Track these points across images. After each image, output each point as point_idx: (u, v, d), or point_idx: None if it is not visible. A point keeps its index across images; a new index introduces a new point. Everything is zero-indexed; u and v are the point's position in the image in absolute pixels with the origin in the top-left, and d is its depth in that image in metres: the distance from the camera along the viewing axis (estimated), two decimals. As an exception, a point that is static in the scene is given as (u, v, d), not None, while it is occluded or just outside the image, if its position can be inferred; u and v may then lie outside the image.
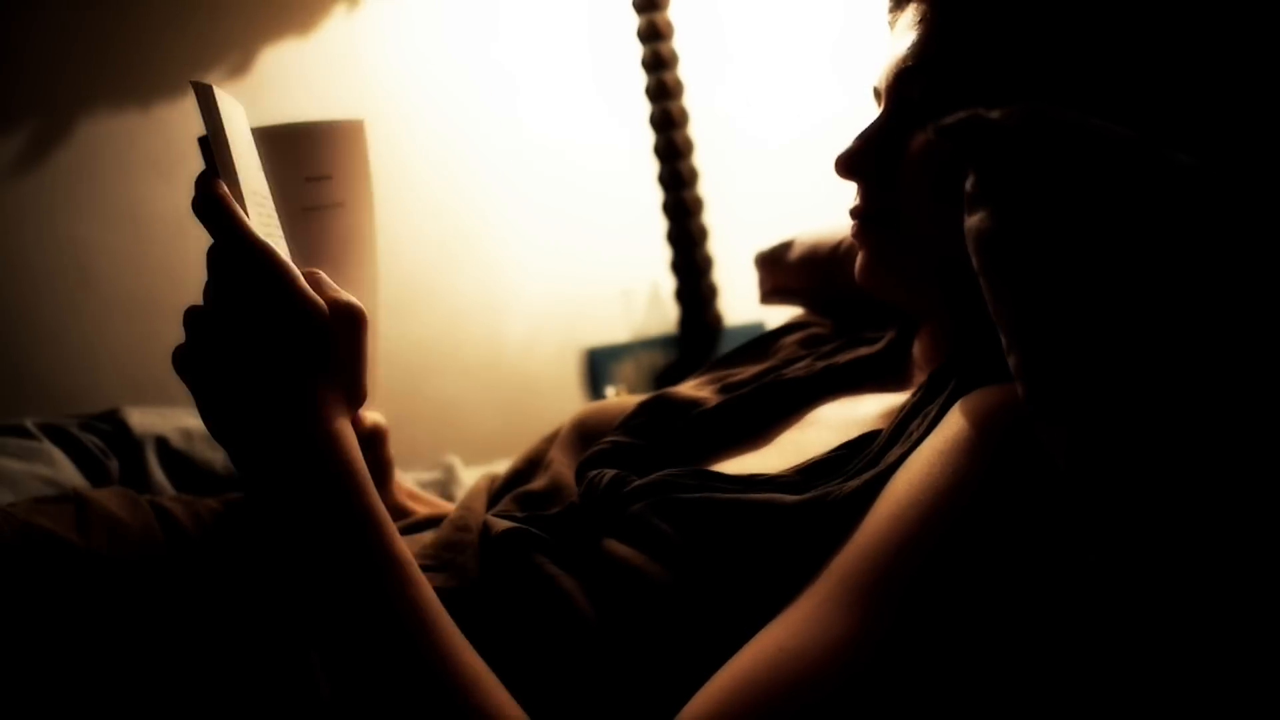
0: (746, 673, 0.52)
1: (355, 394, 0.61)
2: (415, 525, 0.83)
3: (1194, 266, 0.47)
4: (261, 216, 0.68)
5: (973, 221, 0.52)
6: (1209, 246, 0.47)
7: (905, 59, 0.65)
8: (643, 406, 0.78)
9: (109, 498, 0.77)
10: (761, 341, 0.93)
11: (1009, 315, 0.51)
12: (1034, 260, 0.49)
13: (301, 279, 0.60)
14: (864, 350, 0.80)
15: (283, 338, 0.58)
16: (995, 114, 0.50)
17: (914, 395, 0.65)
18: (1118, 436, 0.47)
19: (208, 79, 0.64)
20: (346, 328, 0.61)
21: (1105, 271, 0.48)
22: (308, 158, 0.75)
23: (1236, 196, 0.48)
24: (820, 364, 0.79)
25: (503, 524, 0.67)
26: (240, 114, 0.70)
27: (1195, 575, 0.46)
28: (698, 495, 0.61)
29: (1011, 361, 0.51)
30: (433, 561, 0.68)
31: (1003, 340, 0.52)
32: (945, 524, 0.53)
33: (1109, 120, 0.51)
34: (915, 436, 0.60)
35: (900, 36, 0.66)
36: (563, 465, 0.78)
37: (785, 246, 1.08)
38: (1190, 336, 0.46)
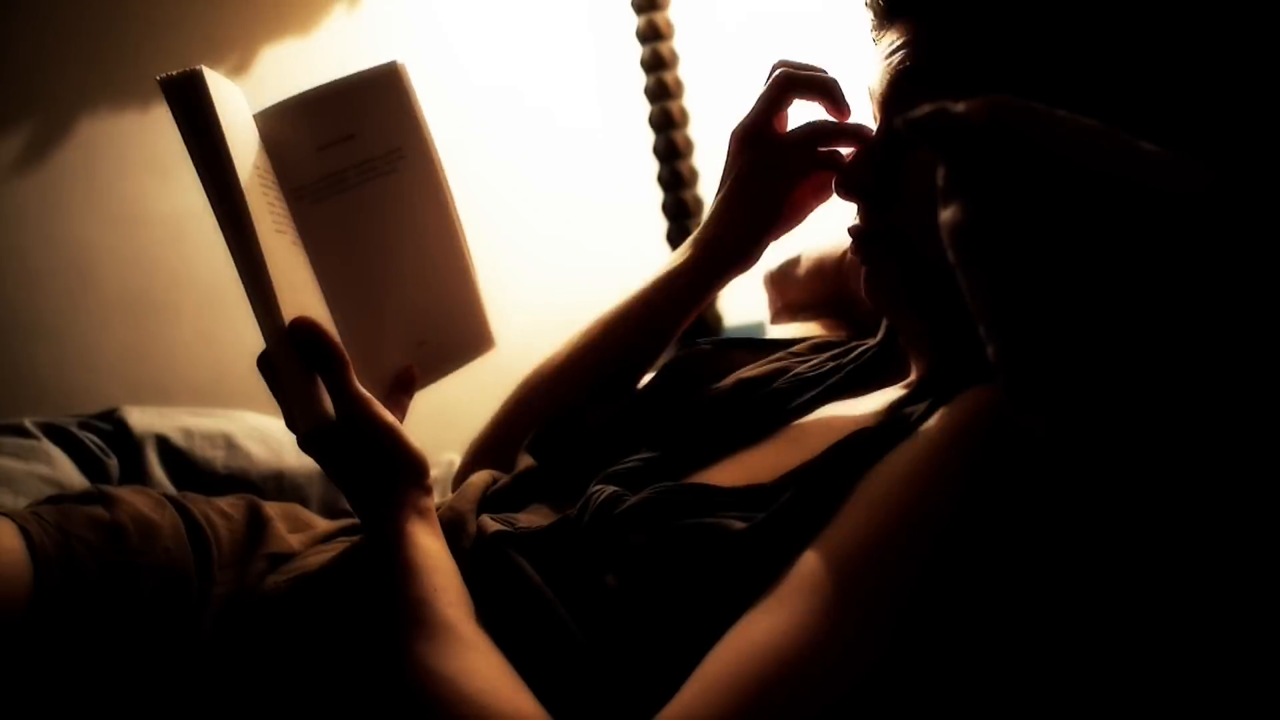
0: (725, 672, 0.52)
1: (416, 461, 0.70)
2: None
3: (1163, 252, 0.47)
4: (272, 215, 0.65)
5: (946, 215, 0.52)
6: (1177, 231, 0.47)
7: (898, 79, 0.65)
8: (665, 368, 0.82)
9: (134, 496, 0.76)
10: (773, 344, 0.93)
11: (985, 306, 0.51)
12: (1007, 250, 0.49)
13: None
14: (867, 345, 0.80)
15: (352, 479, 0.70)
16: (961, 107, 0.50)
17: (905, 394, 0.65)
18: (1095, 422, 0.47)
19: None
20: (378, 427, 0.68)
21: (1076, 259, 0.48)
22: (337, 121, 0.70)
23: (1205, 184, 0.48)
24: (829, 364, 0.80)
25: (494, 526, 0.68)
26: (238, 96, 0.66)
27: (1179, 562, 0.46)
28: (693, 521, 0.61)
29: (989, 352, 0.52)
30: None
31: (981, 332, 0.52)
32: (922, 522, 0.53)
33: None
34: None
35: (889, 55, 0.67)
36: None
37: (793, 262, 1.07)
38: (1164, 322, 0.46)
